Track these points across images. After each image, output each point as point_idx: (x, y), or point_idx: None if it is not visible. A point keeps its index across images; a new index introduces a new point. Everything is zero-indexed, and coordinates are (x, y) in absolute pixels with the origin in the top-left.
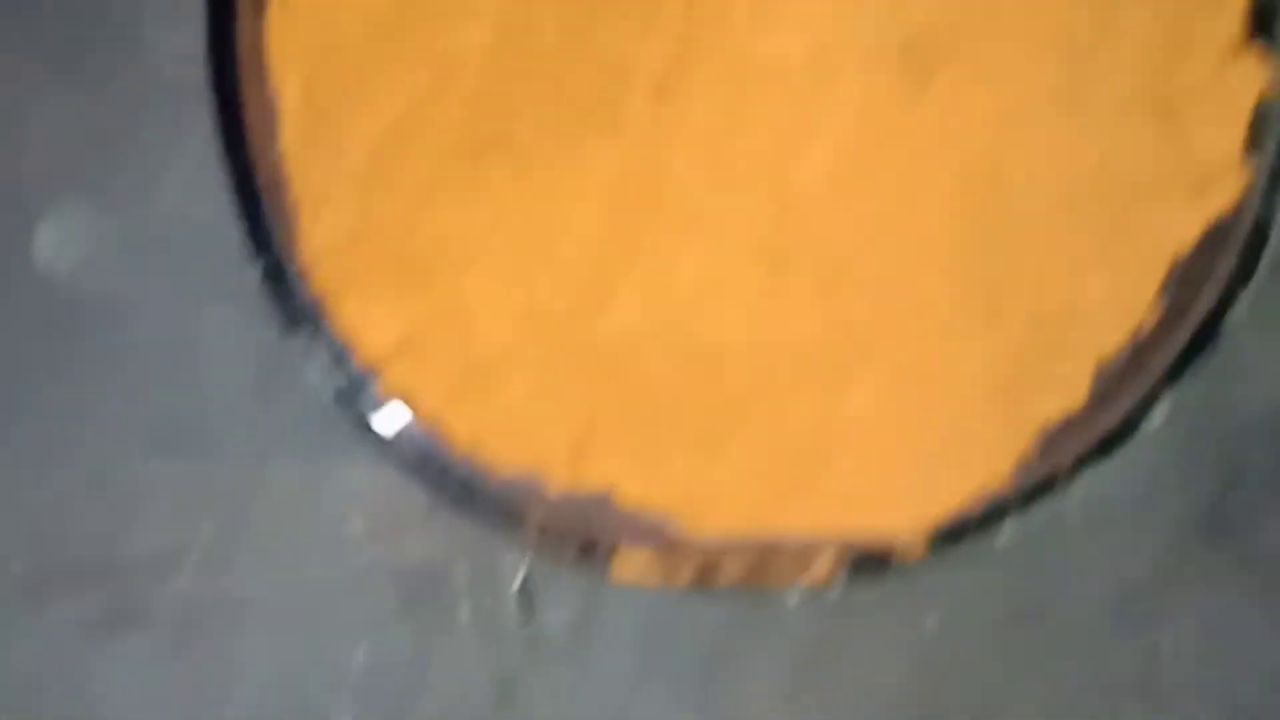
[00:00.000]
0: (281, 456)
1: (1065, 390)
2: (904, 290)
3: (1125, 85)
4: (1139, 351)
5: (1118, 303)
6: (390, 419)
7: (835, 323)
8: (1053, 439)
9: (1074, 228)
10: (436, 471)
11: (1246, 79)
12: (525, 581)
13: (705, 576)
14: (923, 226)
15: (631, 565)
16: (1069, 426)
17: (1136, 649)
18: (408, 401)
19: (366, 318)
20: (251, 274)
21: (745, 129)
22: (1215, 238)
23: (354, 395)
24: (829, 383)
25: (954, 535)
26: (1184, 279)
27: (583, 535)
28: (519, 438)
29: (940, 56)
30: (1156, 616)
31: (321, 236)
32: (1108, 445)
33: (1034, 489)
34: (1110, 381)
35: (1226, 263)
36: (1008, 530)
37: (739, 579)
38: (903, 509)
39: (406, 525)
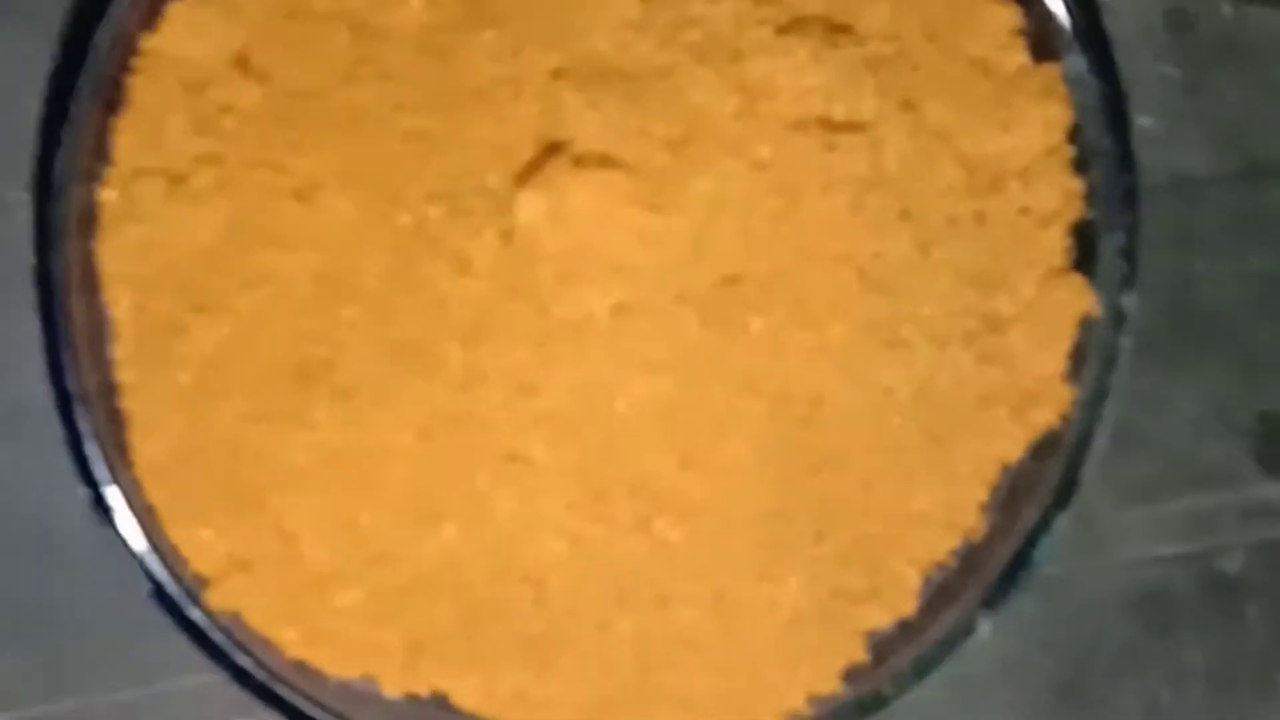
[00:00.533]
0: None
1: (896, 599)
2: (723, 515)
3: (943, 314)
4: (969, 559)
5: (946, 514)
6: (220, 629)
7: (656, 547)
8: (885, 646)
9: (898, 448)
10: (267, 678)
11: (1067, 302)
12: None
13: None
14: (740, 456)
15: None
16: (903, 633)
17: None
18: (237, 614)
19: (194, 536)
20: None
21: (560, 370)
22: (1042, 450)
23: (185, 606)
24: (652, 602)
25: None
26: (1013, 490)
27: None
28: (350, 646)
29: (754, 300)
30: None
31: (150, 452)
32: (945, 647)
33: (867, 697)
34: (942, 589)
35: (1053, 474)
36: None
37: None
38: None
39: None
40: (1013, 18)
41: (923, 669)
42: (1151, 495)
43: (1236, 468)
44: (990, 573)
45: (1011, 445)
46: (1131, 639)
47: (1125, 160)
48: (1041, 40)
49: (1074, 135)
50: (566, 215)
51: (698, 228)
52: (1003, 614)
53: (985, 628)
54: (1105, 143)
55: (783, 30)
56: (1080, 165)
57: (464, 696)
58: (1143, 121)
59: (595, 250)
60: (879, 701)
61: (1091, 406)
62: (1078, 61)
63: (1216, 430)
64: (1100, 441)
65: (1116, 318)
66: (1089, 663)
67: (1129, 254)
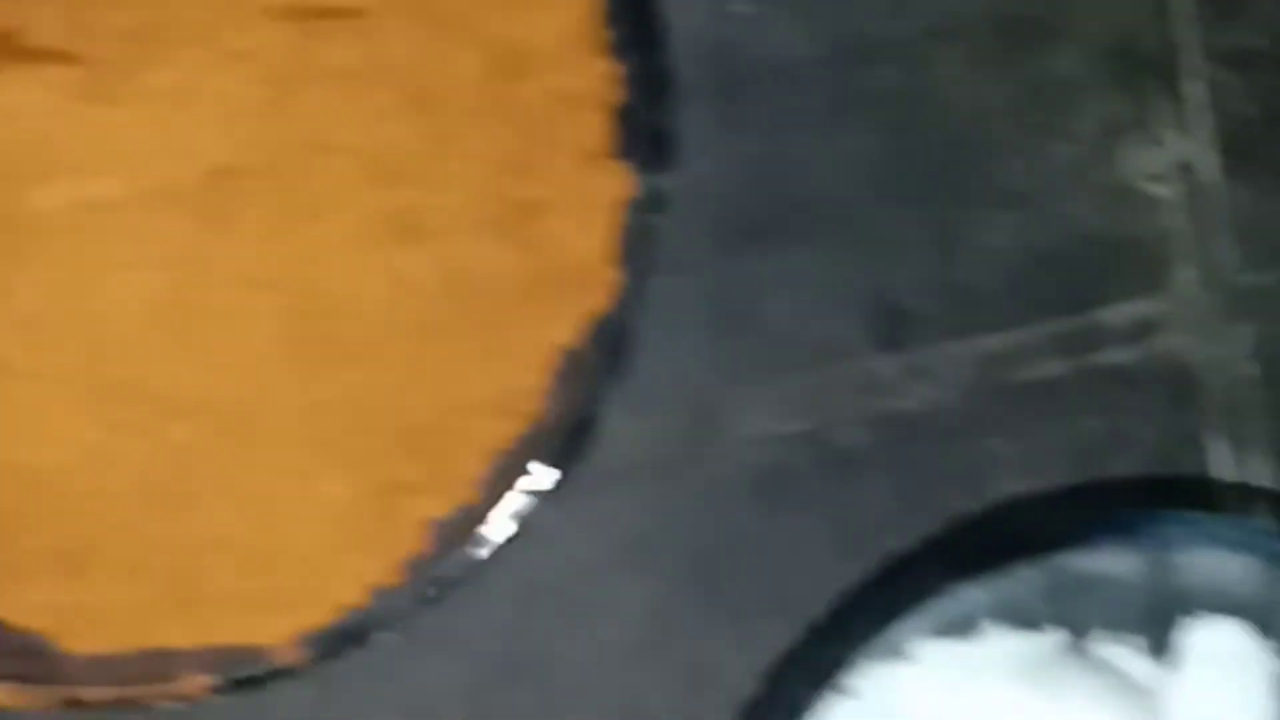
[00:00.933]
0: None
1: (455, 487)
2: (245, 414)
3: (470, 202)
4: (531, 442)
5: (503, 400)
6: None
7: (175, 450)
8: (448, 533)
9: (440, 337)
10: None
11: (605, 185)
12: None
13: (76, 699)
14: (255, 353)
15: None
16: (463, 519)
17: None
18: None
19: None
20: None
21: (31, 270)
22: (595, 332)
23: None
24: (181, 504)
25: (333, 641)
26: (571, 371)
27: None
28: None
29: (248, 193)
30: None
31: None
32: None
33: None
34: (505, 473)
35: (605, 354)
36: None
37: (112, 699)
38: (277, 619)
39: None
40: None
41: (479, 558)
42: (766, 375)
43: (849, 344)
44: (550, 454)
45: (562, 329)
46: (754, 517)
47: (656, 42)
48: None
49: (611, 19)
50: (12, 110)
51: (162, 121)
52: (618, 498)
53: (548, 511)
54: (635, 27)
55: None
56: (616, 49)
57: None
58: (738, 7)
59: (53, 146)
60: (441, 588)
61: (633, 287)
62: None
63: (827, 308)
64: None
65: (653, 199)
66: (714, 542)
67: (662, 136)
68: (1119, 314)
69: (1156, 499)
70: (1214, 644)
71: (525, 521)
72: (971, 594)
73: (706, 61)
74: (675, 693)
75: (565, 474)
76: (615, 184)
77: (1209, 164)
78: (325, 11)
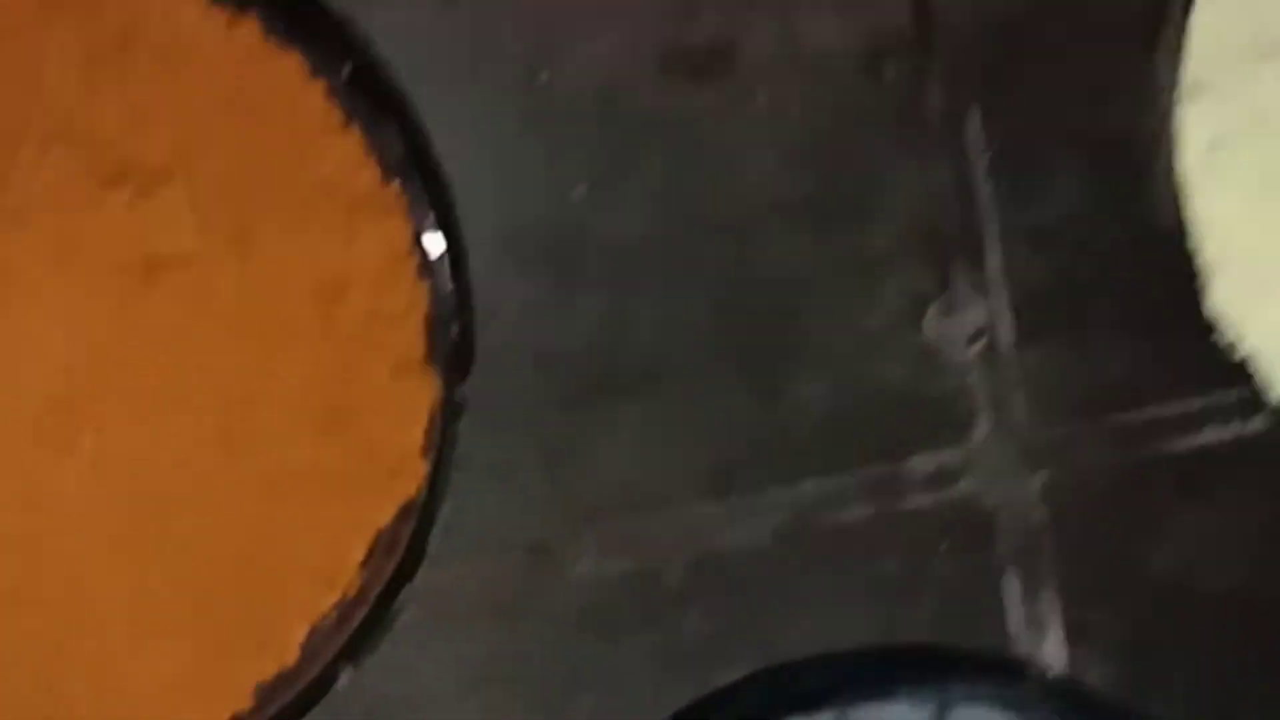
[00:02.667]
0: None
1: (280, 651)
2: (85, 599)
3: (298, 410)
4: (344, 612)
5: (327, 573)
6: None
7: (25, 633)
8: (269, 693)
9: (271, 524)
10: None
11: (420, 388)
12: None
13: None
14: (100, 550)
15: None
16: (282, 681)
17: None
18: None
19: None
20: None
21: None
22: (406, 514)
23: None
24: (33, 683)
25: None
26: (386, 549)
27: None
28: None
29: (82, 420)
30: None
31: None
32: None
33: None
34: (322, 639)
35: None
36: None
37: None
38: None
39: None
40: (355, 145)
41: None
42: (597, 519)
43: (675, 490)
44: (356, 623)
45: (379, 513)
46: (586, 650)
47: (461, 264)
48: (385, 161)
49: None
50: None
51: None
52: (459, 636)
53: (344, 678)
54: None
55: (106, 182)
56: (425, 271)
57: None
58: (578, 192)
59: None
60: None
61: (437, 478)
62: (414, 178)
63: (656, 458)
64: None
65: (457, 401)
66: (550, 674)
67: (466, 347)
68: (923, 463)
69: (943, 660)
70: None
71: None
72: None
73: (552, 239)
74: None
75: (380, 636)
76: (426, 389)
77: (1005, 329)
78: (157, 262)
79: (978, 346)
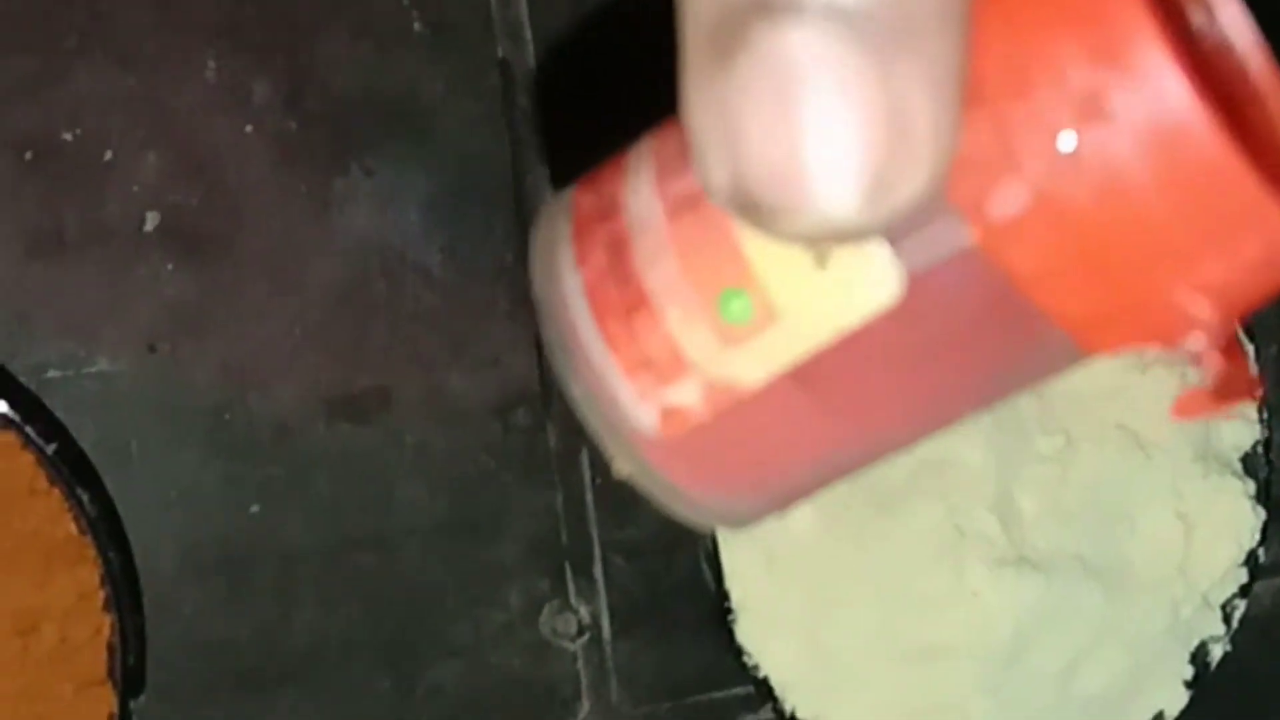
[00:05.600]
0: None
1: None
2: None
3: None
4: None
5: None
6: None
7: None
8: None
9: None
10: None
11: (100, 700)
12: None
13: None
14: None
15: None
16: None
17: None
18: None
19: None
20: None
21: None
22: None
23: None
24: None
25: None
26: None
27: None
28: None
29: None
30: None
31: None
32: None
33: None
34: None
35: None
36: None
37: None
38: None
39: None
40: (56, 503)
41: None
42: None
43: None
44: None
45: None
46: None
47: (138, 602)
48: (78, 516)
49: (106, 584)
50: None
51: None
52: None
53: None
54: (122, 592)
55: None
56: (109, 606)
57: None
58: (254, 508)
59: None
60: None
61: None
62: (102, 531)
63: None
64: None
65: (125, 717)
66: None
67: (139, 669)
68: None
69: None
70: None
71: None
72: None
73: (230, 547)
74: None
75: None
76: (105, 703)
77: (604, 626)
78: None
79: (583, 640)
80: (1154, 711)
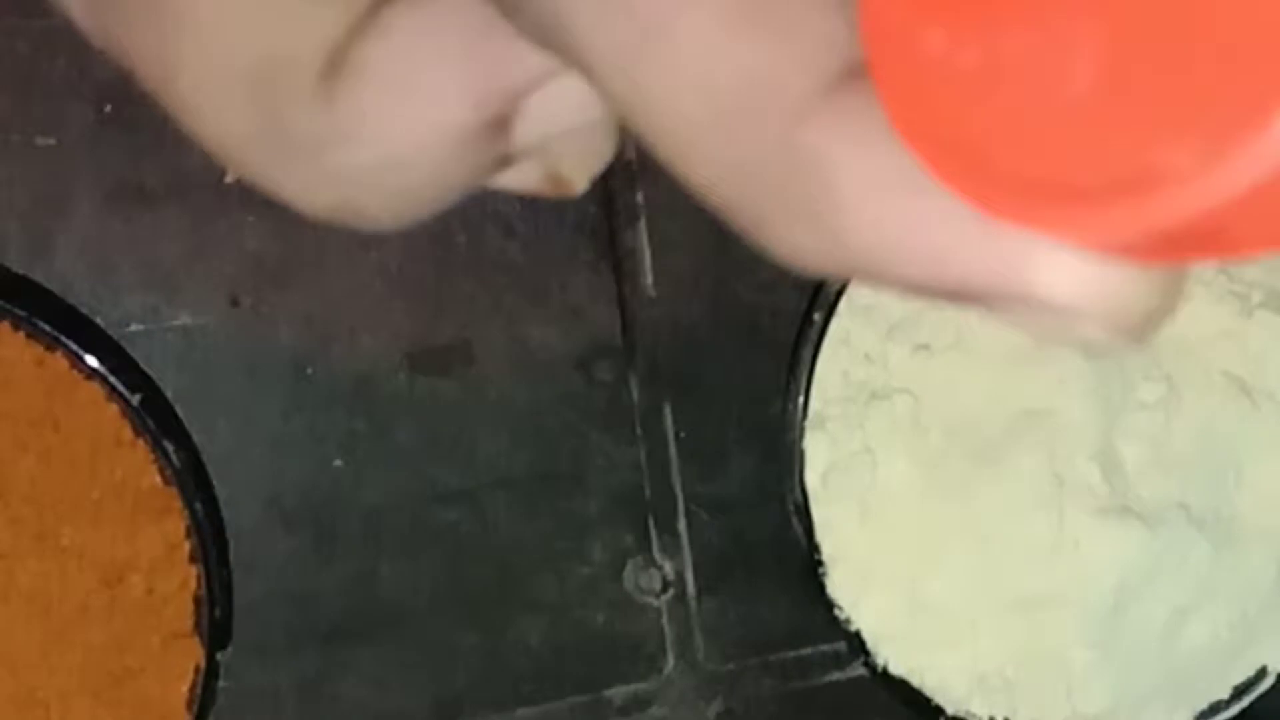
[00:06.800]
0: None
1: None
2: None
3: (79, 678)
4: None
5: None
6: None
7: None
8: None
9: None
10: None
11: (187, 654)
12: None
13: None
14: None
15: None
16: None
17: None
18: None
19: None
20: None
21: None
22: None
23: None
24: None
25: None
26: None
27: None
28: None
29: None
30: None
31: None
32: None
33: None
34: None
35: None
36: None
37: None
38: None
39: None
40: (141, 456)
41: None
42: None
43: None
44: None
45: None
46: None
47: (224, 554)
48: (164, 468)
49: (191, 536)
50: None
51: None
52: None
53: None
54: (209, 543)
55: None
56: (196, 558)
57: None
58: (337, 461)
59: None
60: None
61: None
62: (188, 483)
63: (394, 689)
64: None
65: (216, 666)
66: None
67: (225, 620)
68: (620, 693)
69: None
70: None
71: None
72: None
73: (313, 500)
74: None
75: None
76: (192, 655)
77: (688, 581)
78: None
79: (667, 596)
80: (1259, 666)
